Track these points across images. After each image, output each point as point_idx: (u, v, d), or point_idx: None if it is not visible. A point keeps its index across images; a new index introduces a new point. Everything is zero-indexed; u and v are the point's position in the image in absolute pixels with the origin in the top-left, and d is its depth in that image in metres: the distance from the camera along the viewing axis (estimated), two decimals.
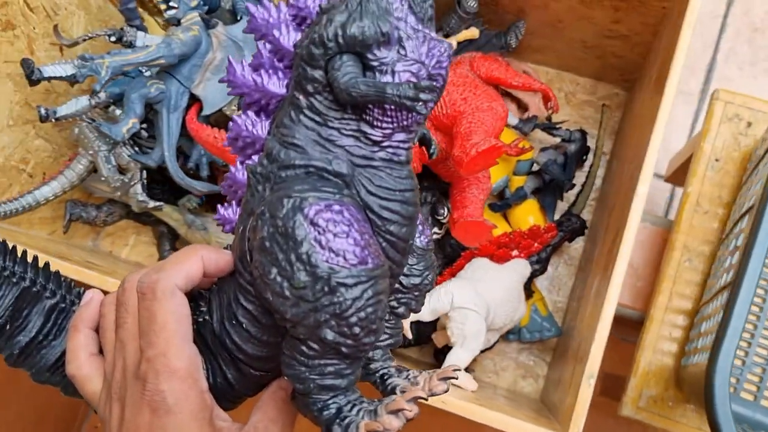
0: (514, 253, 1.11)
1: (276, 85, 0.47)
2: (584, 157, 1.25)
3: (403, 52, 0.44)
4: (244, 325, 0.48)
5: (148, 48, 1.01)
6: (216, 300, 0.51)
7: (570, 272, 1.29)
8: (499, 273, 1.06)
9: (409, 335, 1.01)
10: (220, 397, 0.51)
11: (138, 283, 0.46)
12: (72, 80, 1.08)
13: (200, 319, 0.51)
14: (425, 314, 0.99)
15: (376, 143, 0.45)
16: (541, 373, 1.27)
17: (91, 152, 1.15)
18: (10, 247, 0.55)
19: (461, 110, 0.95)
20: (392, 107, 0.44)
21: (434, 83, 0.45)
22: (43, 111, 1.04)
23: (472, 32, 1.17)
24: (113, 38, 1.11)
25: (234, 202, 0.52)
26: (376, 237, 0.45)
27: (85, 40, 1.12)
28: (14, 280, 0.54)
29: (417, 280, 0.52)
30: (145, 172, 1.21)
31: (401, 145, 0.46)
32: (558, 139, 1.25)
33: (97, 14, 1.26)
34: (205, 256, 0.48)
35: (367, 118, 0.45)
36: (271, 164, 0.46)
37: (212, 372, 0.51)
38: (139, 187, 1.17)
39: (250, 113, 0.49)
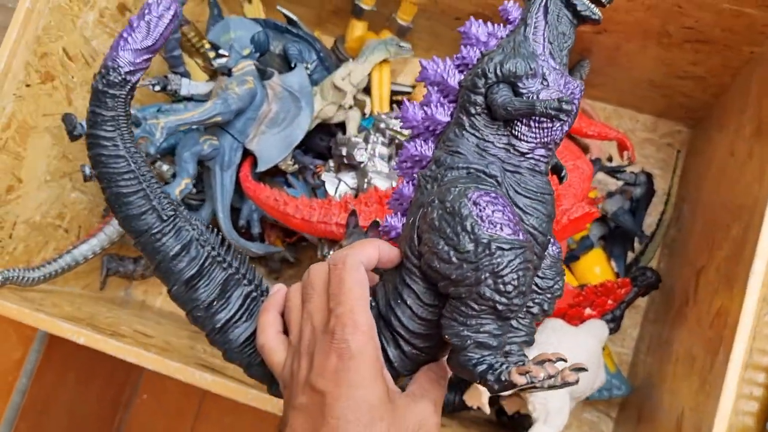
0: (588, 311, 1.04)
1: (442, 114, 0.61)
2: (649, 202, 1.19)
3: (545, 83, 0.58)
4: (408, 302, 0.58)
5: (203, 105, 0.94)
6: (381, 289, 0.61)
7: (634, 321, 1.22)
8: (577, 338, 0.99)
9: (487, 410, 0.94)
10: None
11: (330, 259, 0.57)
12: None
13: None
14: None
15: (522, 154, 0.59)
16: (606, 431, 1.20)
17: None
18: (221, 238, 0.66)
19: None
20: (536, 125, 0.58)
21: (573, 104, 0.56)
22: (87, 171, 0.97)
23: None
24: (157, 88, 1.04)
25: (399, 213, 0.64)
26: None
27: None
28: (224, 266, 0.64)
29: (550, 283, 0.61)
30: None
31: (542, 158, 0.59)
32: (620, 183, 1.19)
33: None
34: (381, 246, 0.58)
35: (516, 133, 0.58)
36: (439, 168, 0.59)
37: None
38: None
39: (418, 140, 0.62)
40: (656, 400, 0.98)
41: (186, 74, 1.10)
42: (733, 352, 0.74)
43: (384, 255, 0.59)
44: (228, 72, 1.01)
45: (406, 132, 0.95)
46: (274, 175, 1.08)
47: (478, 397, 0.93)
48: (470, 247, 0.52)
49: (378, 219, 0.87)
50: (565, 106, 0.55)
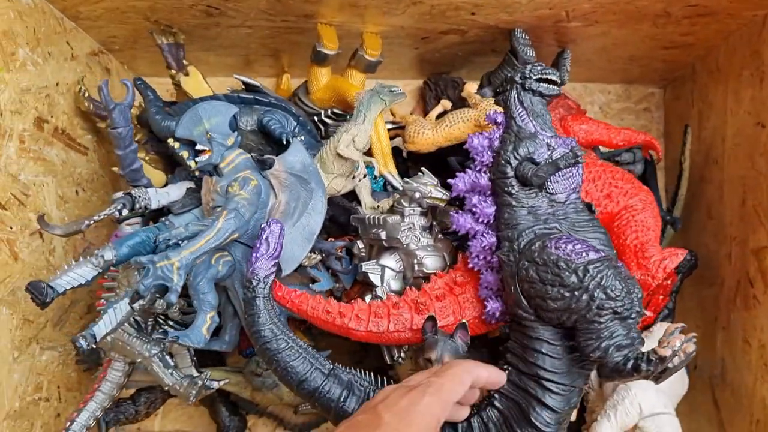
0: (647, 314, 1.00)
1: (488, 207, 0.77)
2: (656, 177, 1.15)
3: (551, 147, 0.75)
4: (543, 351, 0.70)
5: (213, 226, 0.77)
6: (511, 370, 0.74)
7: None
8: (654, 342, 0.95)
9: None
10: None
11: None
12: (89, 285, 0.82)
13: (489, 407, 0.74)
14: (614, 431, 0.87)
15: (563, 203, 0.74)
16: None
17: (140, 360, 0.89)
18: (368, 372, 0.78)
19: (611, 212, 0.85)
20: (562, 178, 0.74)
21: (580, 150, 0.74)
22: (83, 342, 0.78)
23: (444, 105, 1.04)
24: (125, 212, 0.86)
25: (493, 297, 0.78)
26: None
27: (88, 226, 0.85)
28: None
29: (632, 289, 0.69)
30: (192, 349, 0.97)
31: (577, 200, 0.75)
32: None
33: (62, 170, 0.96)
34: (491, 371, 0.70)
35: (551, 191, 0.74)
36: (510, 243, 0.74)
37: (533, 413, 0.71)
38: (204, 378, 0.93)
39: (478, 237, 0.78)
40: (742, 388, 0.96)
41: (149, 184, 0.91)
42: None
43: (493, 377, 0.70)
44: (214, 169, 0.84)
45: (444, 196, 0.85)
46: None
47: None
48: (573, 278, 0.66)
49: (434, 314, 0.78)
50: (578, 152, 0.73)
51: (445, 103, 1.04)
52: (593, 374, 0.97)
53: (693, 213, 1.12)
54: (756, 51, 0.94)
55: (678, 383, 0.94)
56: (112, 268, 0.89)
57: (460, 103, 1.07)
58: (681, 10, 0.92)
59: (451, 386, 0.63)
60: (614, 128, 0.98)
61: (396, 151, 1.09)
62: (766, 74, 0.91)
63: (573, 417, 0.90)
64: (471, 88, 1.02)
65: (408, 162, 1.09)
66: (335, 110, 1.01)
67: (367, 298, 0.85)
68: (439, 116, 1.02)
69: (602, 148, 1.12)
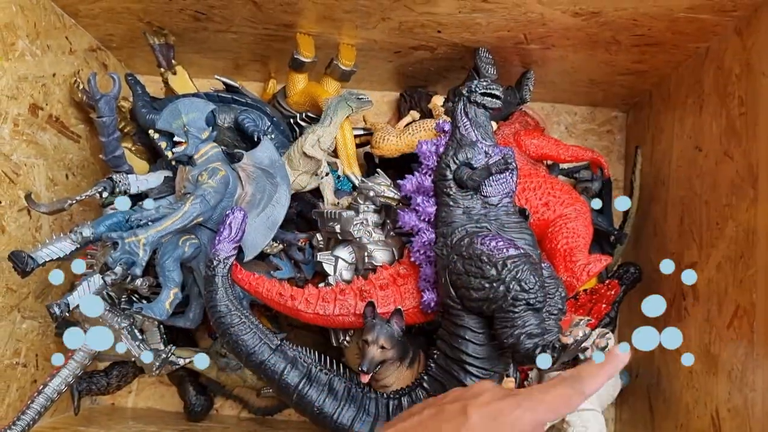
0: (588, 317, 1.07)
1: (429, 207, 0.86)
2: (611, 195, 1.23)
3: (488, 155, 0.85)
4: (467, 337, 0.78)
5: (180, 208, 0.85)
6: (440, 348, 0.81)
7: None
8: None
9: None
10: None
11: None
12: (68, 259, 0.90)
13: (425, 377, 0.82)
14: None
15: (495, 205, 0.83)
16: (608, 417, 1.25)
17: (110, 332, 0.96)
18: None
19: (547, 219, 0.92)
20: (495, 182, 0.83)
21: (512, 158, 0.83)
22: (56, 309, 0.85)
23: (413, 115, 1.12)
24: (105, 193, 0.94)
25: (429, 289, 0.87)
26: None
27: (71, 204, 0.93)
28: (325, 371, 0.83)
29: (555, 289, 0.80)
30: (162, 327, 1.05)
31: (509, 204, 0.84)
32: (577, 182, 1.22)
33: (54, 154, 1.04)
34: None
35: (485, 193, 0.83)
36: (445, 239, 0.82)
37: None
38: (167, 352, 1.00)
39: (420, 233, 0.87)
40: (671, 395, 1.02)
41: (130, 171, 0.99)
42: None
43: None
44: (188, 160, 0.92)
45: (395, 195, 0.93)
46: (255, 257, 1.00)
47: None
48: (493, 271, 0.74)
49: (373, 300, 0.86)
50: (509, 160, 0.82)
51: (414, 114, 1.12)
52: (533, 373, 1.04)
53: (642, 230, 1.19)
54: (698, 81, 1.01)
55: (607, 384, 1.00)
56: (92, 247, 0.97)
57: (431, 114, 1.14)
58: (628, 38, 0.99)
59: (550, 406, 0.56)
60: (564, 144, 1.05)
61: (370, 156, 1.17)
62: (705, 102, 0.99)
63: None
64: (438, 100, 1.10)
65: (379, 167, 1.17)
66: (309, 114, 1.09)
67: (321, 285, 0.92)
68: (407, 126, 1.10)
69: (565, 165, 1.20)
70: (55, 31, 1.03)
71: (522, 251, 0.76)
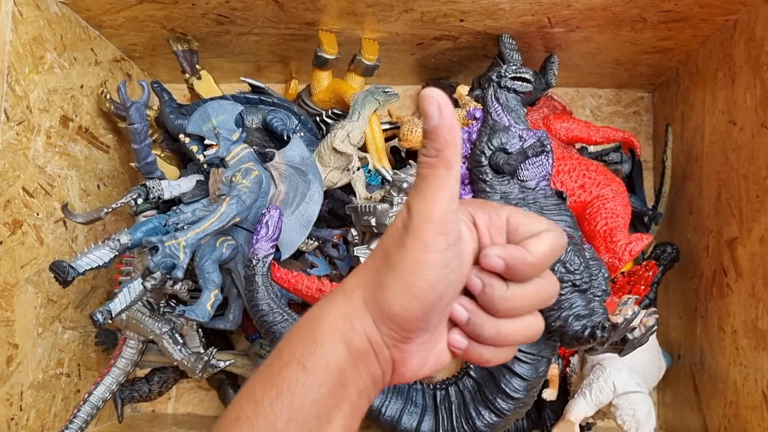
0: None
1: (464, 192, 0.86)
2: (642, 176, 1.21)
3: (523, 139, 0.84)
4: None
5: (217, 209, 0.85)
6: None
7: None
8: None
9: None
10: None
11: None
12: (106, 267, 0.91)
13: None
14: (589, 409, 0.92)
15: (533, 189, 0.82)
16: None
17: (152, 337, 0.97)
18: None
19: (584, 201, 0.91)
20: (532, 166, 0.82)
21: (548, 140, 0.83)
22: (99, 317, 0.86)
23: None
24: (140, 200, 0.94)
25: None
26: None
27: (107, 213, 0.93)
28: None
29: (598, 270, 0.79)
30: (201, 330, 1.05)
31: (546, 186, 0.83)
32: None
33: (85, 165, 1.05)
34: None
35: (522, 178, 0.83)
36: None
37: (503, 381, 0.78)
38: (209, 355, 1.00)
39: None
40: (717, 373, 1.01)
41: (162, 176, 0.99)
42: None
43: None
44: (221, 162, 0.92)
45: None
46: (290, 256, 1.00)
47: (570, 428, 0.92)
48: None
49: None
50: (545, 142, 0.81)
51: None
52: (575, 359, 1.03)
53: (677, 209, 1.17)
54: (729, 54, 1.00)
55: (652, 365, 0.99)
56: (128, 254, 0.98)
57: (454, 104, 1.14)
58: (655, 15, 0.98)
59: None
60: (594, 126, 1.04)
61: (396, 150, 1.17)
62: (737, 75, 0.97)
63: (553, 397, 0.95)
64: (463, 90, 1.09)
65: (407, 159, 1.17)
66: (335, 111, 1.09)
67: None
68: None
69: (592, 148, 1.19)
70: (80, 44, 1.04)
71: (564, 233, 0.75)
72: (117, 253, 0.90)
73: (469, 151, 0.85)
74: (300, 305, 1.07)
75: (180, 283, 0.91)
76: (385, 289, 0.42)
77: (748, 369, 0.92)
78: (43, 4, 0.94)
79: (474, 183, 0.84)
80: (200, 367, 0.95)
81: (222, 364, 1.00)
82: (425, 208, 0.41)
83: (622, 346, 0.71)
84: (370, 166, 1.00)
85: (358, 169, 0.98)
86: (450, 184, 0.42)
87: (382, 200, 0.96)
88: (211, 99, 1.01)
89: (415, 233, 0.41)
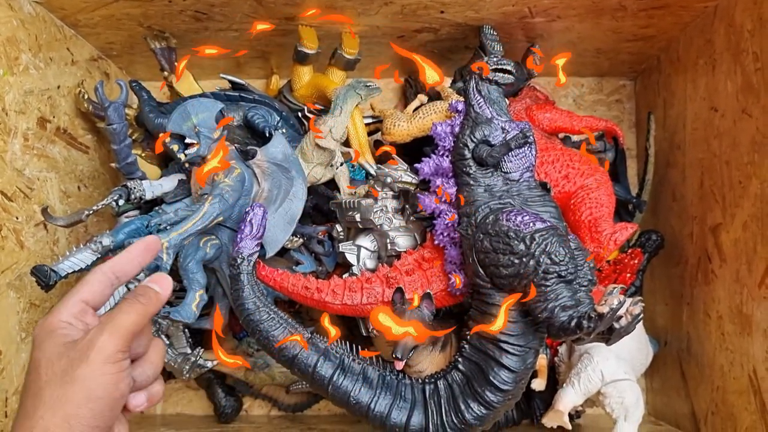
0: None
1: (450, 188, 0.85)
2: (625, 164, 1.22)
3: (505, 131, 0.84)
4: None
5: (199, 209, 0.84)
6: (466, 339, 0.81)
7: None
8: None
9: (569, 427, 0.94)
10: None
11: None
12: (89, 269, 0.89)
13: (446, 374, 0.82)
14: (578, 398, 0.93)
15: (517, 180, 0.82)
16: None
17: None
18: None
19: (569, 191, 0.91)
20: (515, 158, 0.82)
21: (531, 131, 0.82)
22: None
23: (421, 99, 1.10)
24: (121, 201, 0.93)
25: (455, 271, 0.85)
26: None
27: (88, 215, 0.92)
28: (357, 361, 0.83)
29: (583, 260, 0.77)
30: (187, 330, 1.04)
31: (530, 178, 0.83)
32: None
33: (65, 167, 1.04)
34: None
35: (506, 169, 0.82)
36: (468, 219, 0.81)
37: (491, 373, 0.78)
38: (196, 355, 1.00)
39: (442, 215, 0.86)
40: (704, 358, 1.01)
41: (144, 177, 0.98)
42: None
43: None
44: (202, 160, 0.91)
45: (413, 179, 0.92)
46: (275, 253, 0.99)
47: (560, 418, 0.92)
48: (521, 246, 0.73)
49: (401, 286, 0.85)
50: (528, 133, 0.81)
51: (421, 97, 1.11)
52: (563, 348, 1.03)
53: (660, 196, 1.18)
54: (709, 40, 1.00)
55: (639, 353, 1.00)
56: (111, 256, 0.97)
57: (437, 97, 1.13)
58: (635, 3, 0.98)
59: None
60: (576, 116, 1.04)
61: (379, 144, 1.17)
62: (718, 62, 0.98)
63: (542, 387, 0.96)
64: (445, 82, 1.09)
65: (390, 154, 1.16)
66: (317, 105, 1.08)
67: (345, 276, 0.92)
68: (416, 110, 1.09)
69: (576, 137, 1.19)
70: (56, 43, 1.02)
71: (549, 224, 0.75)
72: (99, 256, 0.88)
73: (452, 145, 0.84)
74: (286, 303, 1.07)
75: None
76: None
77: (734, 354, 0.93)
78: (16, 4, 0.92)
79: (458, 176, 0.83)
80: (187, 367, 0.94)
81: (210, 364, 0.99)
82: None
83: (609, 335, 0.71)
84: (353, 161, 1.00)
85: (342, 164, 0.97)
86: None
87: (366, 195, 0.96)
88: (191, 97, 1.00)
89: None
